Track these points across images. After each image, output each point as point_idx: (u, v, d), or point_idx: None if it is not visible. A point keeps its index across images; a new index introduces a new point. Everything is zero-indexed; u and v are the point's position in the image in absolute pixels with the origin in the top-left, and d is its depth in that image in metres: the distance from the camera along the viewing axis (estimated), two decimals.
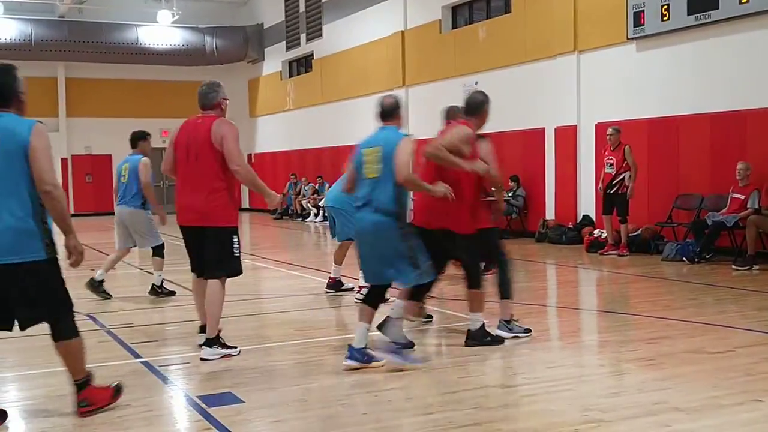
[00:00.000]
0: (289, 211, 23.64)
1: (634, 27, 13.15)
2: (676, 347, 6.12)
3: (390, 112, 5.83)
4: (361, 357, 5.46)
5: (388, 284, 5.67)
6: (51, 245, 4.36)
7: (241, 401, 4.82)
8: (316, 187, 22.68)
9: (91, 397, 4.62)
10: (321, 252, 13.29)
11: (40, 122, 4.56)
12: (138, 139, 9.22)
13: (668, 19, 12.55)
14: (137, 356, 6.02)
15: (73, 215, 18.68)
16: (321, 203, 21.68)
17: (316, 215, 21.80)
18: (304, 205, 22.90)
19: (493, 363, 5.85)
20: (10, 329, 4.50)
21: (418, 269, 5.47)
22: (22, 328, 4.46)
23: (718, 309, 7.83)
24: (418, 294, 6.04)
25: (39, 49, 24.47)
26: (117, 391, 4.75)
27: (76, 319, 4.63)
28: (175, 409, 4.87)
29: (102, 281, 8.62)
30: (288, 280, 10.66)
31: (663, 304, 8.23)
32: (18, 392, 5.36)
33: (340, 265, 8.94)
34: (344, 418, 4.53)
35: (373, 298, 5.66)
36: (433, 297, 8.51)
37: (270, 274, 11.00)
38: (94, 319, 7.50)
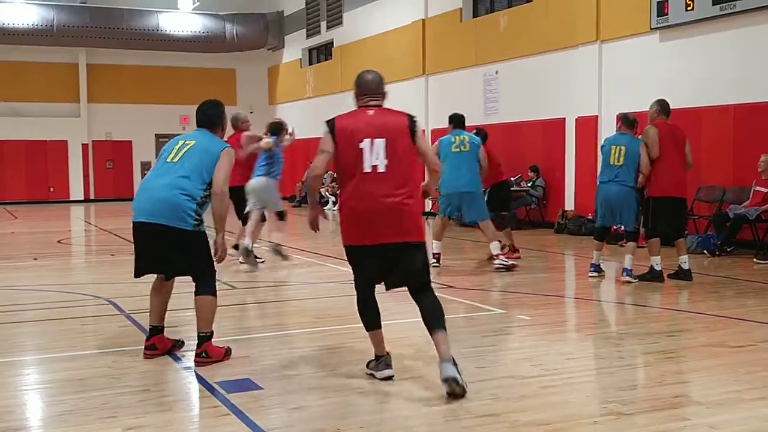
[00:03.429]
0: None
1: (658, 17, 13.00)
2: (696, 340, 6.07)
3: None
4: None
5: None
6: (200, 223, 5.34)
7: (260, 388, 4.83)
8: (335, 176, 22.67)
9: (210, 350, 5.35)
10: (338, 240, 13.25)
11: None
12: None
13: (692, 8, 12.40)
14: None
15: (92, 201, 18.87)
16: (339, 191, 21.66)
17: (335, 203, 21.81)
18: (323, 193, 22.89)
19: (510, 354, 5.83)
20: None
21: None
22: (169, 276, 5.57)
23: (739, 302, 7.75)
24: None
25: (61, 35, 24.58)
26: (228, 352, 5.48)
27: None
28: (194, 395, 4.89)
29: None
30: (306, 267, 10.68)
31: (683, 296, 8.17)
32: (39, 375, 5.40)
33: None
34: (361, 406, 4.53)
35: None
36: (450, 286, 8.51)
37: (287, 261, 10.99)
38: (114, 304, 7.54)
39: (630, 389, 4.83)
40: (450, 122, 10.35)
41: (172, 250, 5.38)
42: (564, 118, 15.21)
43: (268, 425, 4.16)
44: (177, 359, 5.55)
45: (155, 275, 5.60)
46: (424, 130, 5.65)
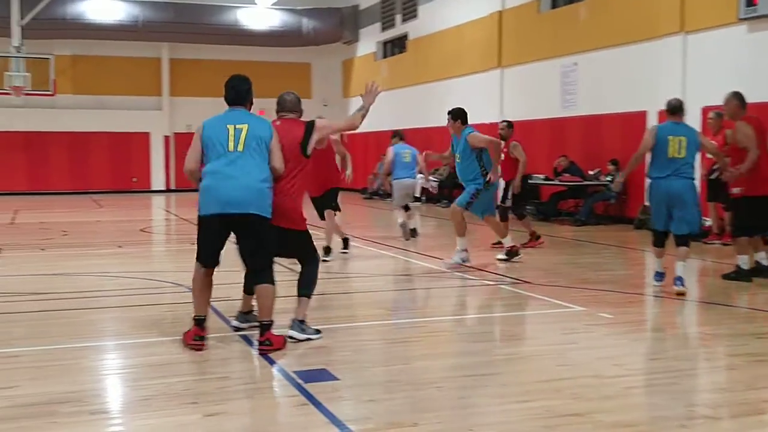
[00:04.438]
0: (380, 191, 23.71)
1: (746, 7, 12.49)
2: None
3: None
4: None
5: None
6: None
7: (336, 378, 4.84)
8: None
9: (272, 339, 5.47)
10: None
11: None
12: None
13: None
14: (236, 329, 6.11)
15: (173, 191, 19.28)
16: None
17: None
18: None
19: (591, 352, 5.68)
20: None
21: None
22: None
23: None
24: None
25: (145, 31, 25.21)
26: (285, 341, 5.59)
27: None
28: (272, 384, 4.93)
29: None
30: (377, 259, 10.68)
31: None
32: (122, 360, 5.54)
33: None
34: (438, 401, 4.48)
35: None
36: (527, 282, 8.38)
37: (359, 252, 11.04)
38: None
39: (717, 392, 4.66)
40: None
41: (255, 239, 5.49)
42: (645, 111, 14.79)
43: (345, 416, 4.15)
44: (254, 346, 5.60)
45: (205, 266, 5.60)
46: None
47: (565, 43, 16.86)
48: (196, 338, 5.53)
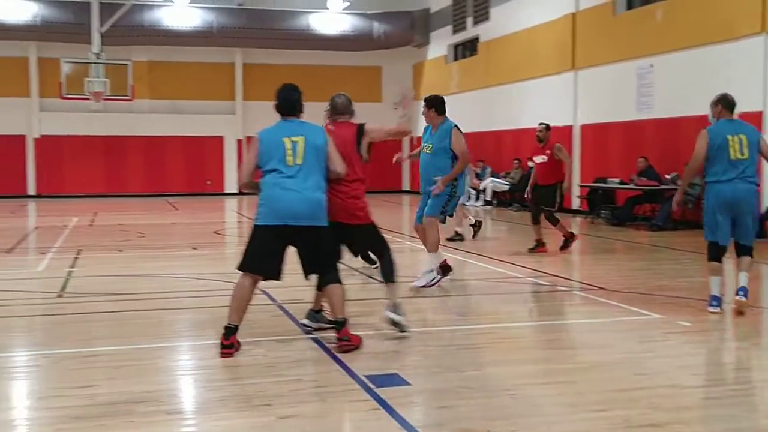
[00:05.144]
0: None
1: None
2: None
3: None
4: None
5: None
6: None
7: (408, 383, 4.82)
8: (478, 171, 22.51)
9: (350, 335, 5.57)
10: (480, 236, 13.15)
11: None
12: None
13: None
14: (307, 331, 6.16)
15: (245, 194, 19.47)
16: (482, 187, 21.51)
17: (476, 198, 21.67)
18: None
19: (669, 361, 5.51)
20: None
21: None
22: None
23: None
24: None
25: (219, 36, 25.73)
26: (362, 340, 5.68)
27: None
28: (344, 387, 4.93)
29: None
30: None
31: None
32: (196, 360, 5.63)
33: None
34: (512, 408, 4.42)
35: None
36: (602, 288, 8.21)
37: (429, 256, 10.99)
38: (267, 294, 7.74)
39: None
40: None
41: (316, 248, 5.60)
42: None
43: (418, 422, 4.13)
44: (327, 350, 5.63)
45: (254, 276, 5.59)
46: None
47: (641, 44, 16.49)
48: (226, 346, 5.45)
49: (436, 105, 8.40)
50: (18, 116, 25.67)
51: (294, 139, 5.53)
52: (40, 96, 25.84)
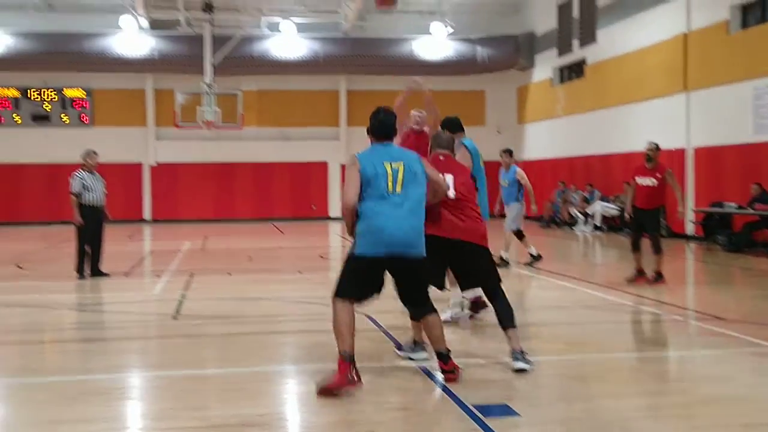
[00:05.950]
0: (557, 220, 23.19)
1: None
2: None
3: None
4: None
5: None
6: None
7: (517, 414, 4.71)
8: (586, 195, 22.04)
9: (456, 367, 5.49)
10: (589, 262, 12.84)
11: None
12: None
13: None
14: (412, 359, 6.12)
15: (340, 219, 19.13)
16: (589, 211, 21.03)
17: (585, 223, 21.20)
18: (572, 213, 22.33)
19: None
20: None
21: None
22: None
23: None
24: None
25: (325, 65, 26.30)
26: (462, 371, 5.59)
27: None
28: (451, 416, 4.86)
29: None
30: (555, 291, 10.38)
31: None
32: (301, 385, 5.63)
33: None
34: None
35: None
36: (719, 317, 7.83)
37: (537, 283, 10.80)
38: (372, 319, 7.75)
39: None
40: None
41: (417, 277, 5.52)
42: None
43: None
44: (432, 378, 5.57)
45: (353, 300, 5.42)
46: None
47: (757, 64, 15.81)
48: (351, 377, 5.19)
49: (450, 126, 8.34)
50: (135, 145, 26.91)
51: (394, 165, 5.43)
52: (156, 125, 27.05)
